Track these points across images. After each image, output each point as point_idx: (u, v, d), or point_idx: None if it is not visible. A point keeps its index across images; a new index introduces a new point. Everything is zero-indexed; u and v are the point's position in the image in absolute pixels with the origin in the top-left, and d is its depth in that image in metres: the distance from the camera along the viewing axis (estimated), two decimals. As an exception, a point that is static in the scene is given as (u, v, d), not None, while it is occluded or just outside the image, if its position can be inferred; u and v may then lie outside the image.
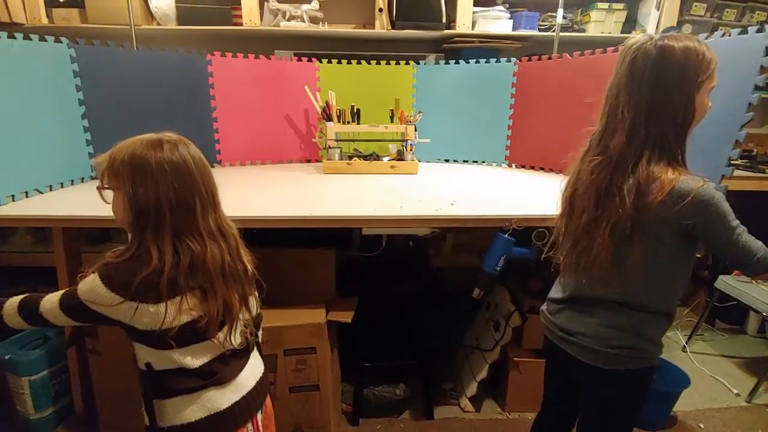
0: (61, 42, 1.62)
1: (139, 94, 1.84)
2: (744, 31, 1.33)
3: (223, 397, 0.89)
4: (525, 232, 1.41)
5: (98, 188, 0.85)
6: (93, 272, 0.81)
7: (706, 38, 1.43)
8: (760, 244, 0.91)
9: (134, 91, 1.83)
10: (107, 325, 0.84)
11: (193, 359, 0.86)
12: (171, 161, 0.81)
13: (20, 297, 0.88)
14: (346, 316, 1.52)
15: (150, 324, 0.81)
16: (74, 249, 1.55)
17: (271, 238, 1.67)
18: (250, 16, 2.25)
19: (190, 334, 0.84)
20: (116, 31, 2.18)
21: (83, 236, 1.78)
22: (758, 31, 1.30)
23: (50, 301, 0.85)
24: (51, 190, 1.59)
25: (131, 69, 1.81)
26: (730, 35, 1.37)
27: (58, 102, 1.62)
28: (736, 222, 0.89)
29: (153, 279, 0.79)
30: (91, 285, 0.80)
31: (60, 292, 0.85)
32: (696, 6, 2.41)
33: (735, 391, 1.99)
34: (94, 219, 1.31)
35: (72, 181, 1.69)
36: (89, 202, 1.52)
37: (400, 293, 1.75)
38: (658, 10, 2.36)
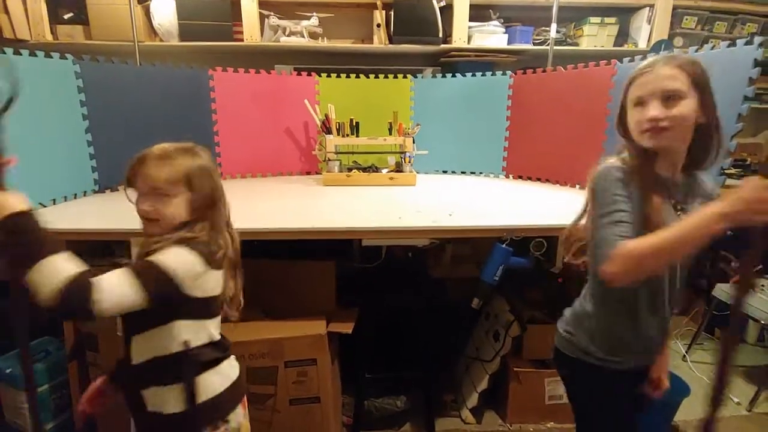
0: (67, 59, 1.65)
1: (143, 109, 1.87)
2: (732, 44, 1.36)
3: (232, 369, 0.98)
4: (523, 242, 1.42)
5: (161, 194, 0.88)
6: (179, 247, 0.85)
7: (696, 51, 1.48)
8: (620, 241, 0.81)
9: (137, 106, 1.86)
10: (166, 302, 0.83)
11: (215, 331, 0.95)
12: (213, 163, 0.97)
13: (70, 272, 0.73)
14: (347, 328, 1.52)
15: (212, 290, 0.91)
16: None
17: (272, 250, 1.68)
18: (250, 32, 2.30)
19: (215, 307, 0.94)
20: (120, 47, 2.22)
21: (86, 249, 1.79)
22: (747, 43, 1.33)
23: (115, 280, 0.75)
24: (54, 203, 1.61)
25: (135, 84, 1.85)
26: (719, 48, 1.41)
27: (62, 117, 1.64)
28: (608, 208, 0.86)
29: (220, 254, 0.91)
30: (184, 257, 0.84)
31: (123, 270, 0.78)
32: (687, 19, 2.46)
33: (736, 400, 1.98)
34: (98, 232, 1.32)
35: (75, 194, 1.71)
36: (93, 215, 1.54)
37: (401, 304, 1.76)
38: (649, 24, 2.42)
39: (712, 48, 1.43)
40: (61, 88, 1.64)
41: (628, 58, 1.72)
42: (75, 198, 1.70)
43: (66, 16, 2.39)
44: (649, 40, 2.43)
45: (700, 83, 0.88)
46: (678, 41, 2.46)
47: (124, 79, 1.82)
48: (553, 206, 1.66)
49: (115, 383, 1.02)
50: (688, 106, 0.87)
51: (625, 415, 1.06)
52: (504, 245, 1.39)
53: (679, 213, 0.93)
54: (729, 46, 1.37)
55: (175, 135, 1.89)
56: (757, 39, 1.30)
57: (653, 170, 0.93)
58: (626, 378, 1.01)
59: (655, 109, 0.88)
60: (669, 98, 0.88)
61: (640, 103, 0.91)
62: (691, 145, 0.91)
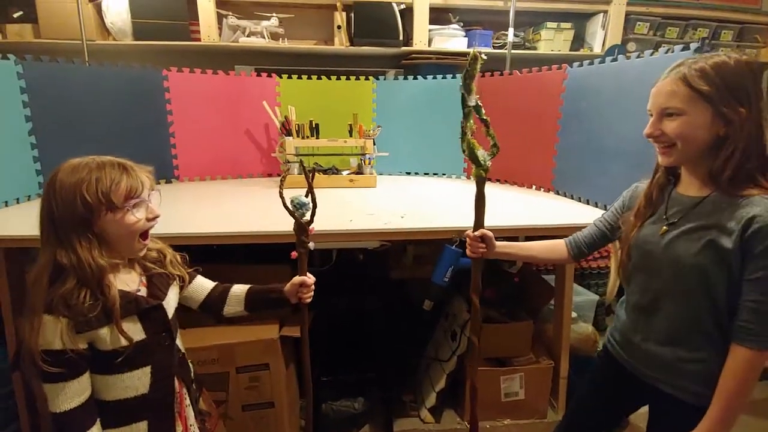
0: (8, 59, 1.60)
1: (91, 110, 1.82)
2: (669, 50, 1.42)
3: None
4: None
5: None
6: None
7: (638, 57, 1.53)
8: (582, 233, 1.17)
9: (86, 107, 1.81)
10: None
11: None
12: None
13: None
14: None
15: None
16: (17, 270, 1.50)
17: (229, 254, 1.66)
18: (208, 32, 2.26)
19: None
20: (71, 46, 2.16)
21: (30, 257, 1.73)
22: (683, 49, 1.38)
23: None
24: (-6, 208, 1.55)
25: (82, 85, 1.80)
26: (658, 54, 1.46)
27: (2, 119, 1.58)
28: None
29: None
30: None
31: None
32: (639, 25, 2.55)
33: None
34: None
35: (18, 199, 1.65)
36: (35, 220, 1.48)
37: (358, 306, 1.76)
38: (603, 29, 2.49)
39: (652, 54, 1.49)
40: (2, 89, 1.58)
41: (577, 63, 1.77)
42: (18, 203, 1.64)
43: (15, 15, 2.31)
44: (603, 45, 2.50)
45: (713, 96, 0.80)
46: (631, 46, 2.54)
47: (71, 79, 1.76)
48: (507, 207, 1.69)
49: None
50: (686, 124, 0.83)
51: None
52: (453, 247, 1.40)
53: (665, 230, 0.91)
54: (666, 52, 1.43)
55: (127, 136, 1.88)
56: (693, 45, 1.35)
57: (652, 187, 0.97)
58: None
59: (649, 126, 0.89)
60: (667, 114, 0.85)
61: (650, 114, 0.90)
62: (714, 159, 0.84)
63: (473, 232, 1.15)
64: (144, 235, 0.88)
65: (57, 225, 0.80)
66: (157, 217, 0.89)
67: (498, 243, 1.18)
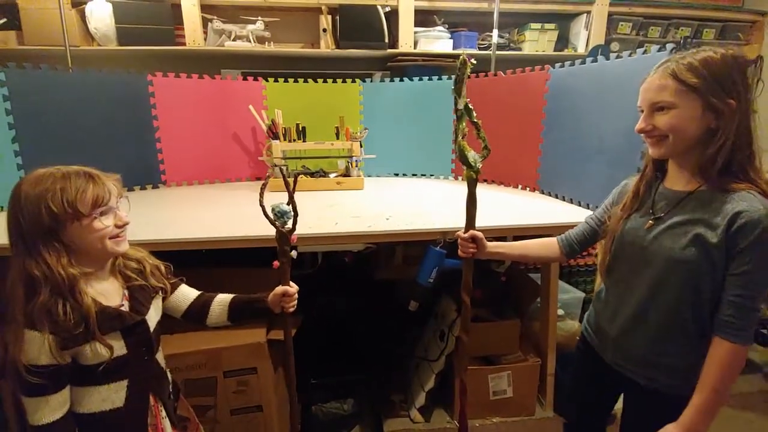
0: (-11, 66, 1.59)
1: (76, 117, 1.81)
2: (645, 51, 1.44)
3: None
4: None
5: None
6: None
7: (617, 57, 1.55)
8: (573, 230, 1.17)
9: (70, 114, 1.80)
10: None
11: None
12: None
13: None
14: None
15: None
16: None
17: (217, 259, 1.66)
18: (193, 36, 2.26)
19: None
20: (55, 52, 2.15)
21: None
22: (659, 49, 1.41)
23: None
24: (-23, 217, 1.54)
25: (66, 91, 1.79)
26: (636, 55, 1.48)
27: (-16, 127, 1.58)
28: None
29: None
30: None
31: None
32: (622, 25, 2.58)
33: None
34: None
35: (2, 207, 1.64)
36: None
37: (346, 308, 1.77)
38: (587, 29, 2.51)
39: (630, 55, 1.51)
40: (-17, 97, 1.57)
41: (559, 64, 1.79)
42: (2, 210, 1.63)
43: (-1, 22, 2.30)
44: (587, 45, 2.52)
45: (701, 88, 0.82)
46: (614, 46, 2.57)
47: (55, 86, 1.76)
48: (493, 207, 1.70)
49: None
50: (677, 116, 0.84)
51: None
52: (438, 248, 1.41)
53: (651, 224, 0.93)
54: (643, 53, 1.45)
55: (113, 142, 1.88)
56: (669, 45, 1.38)
57: (640, 181, 0.98)
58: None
59: (641, 121, 0.90)
60: (658, 109, 0.87)
61: (641, 111, 0.91)
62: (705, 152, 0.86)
63: (464, 233, 1.17)
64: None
65: (25, 236, 0.80)
66: (126, 224, 0.89)
67: (489, 243, 1.20)
